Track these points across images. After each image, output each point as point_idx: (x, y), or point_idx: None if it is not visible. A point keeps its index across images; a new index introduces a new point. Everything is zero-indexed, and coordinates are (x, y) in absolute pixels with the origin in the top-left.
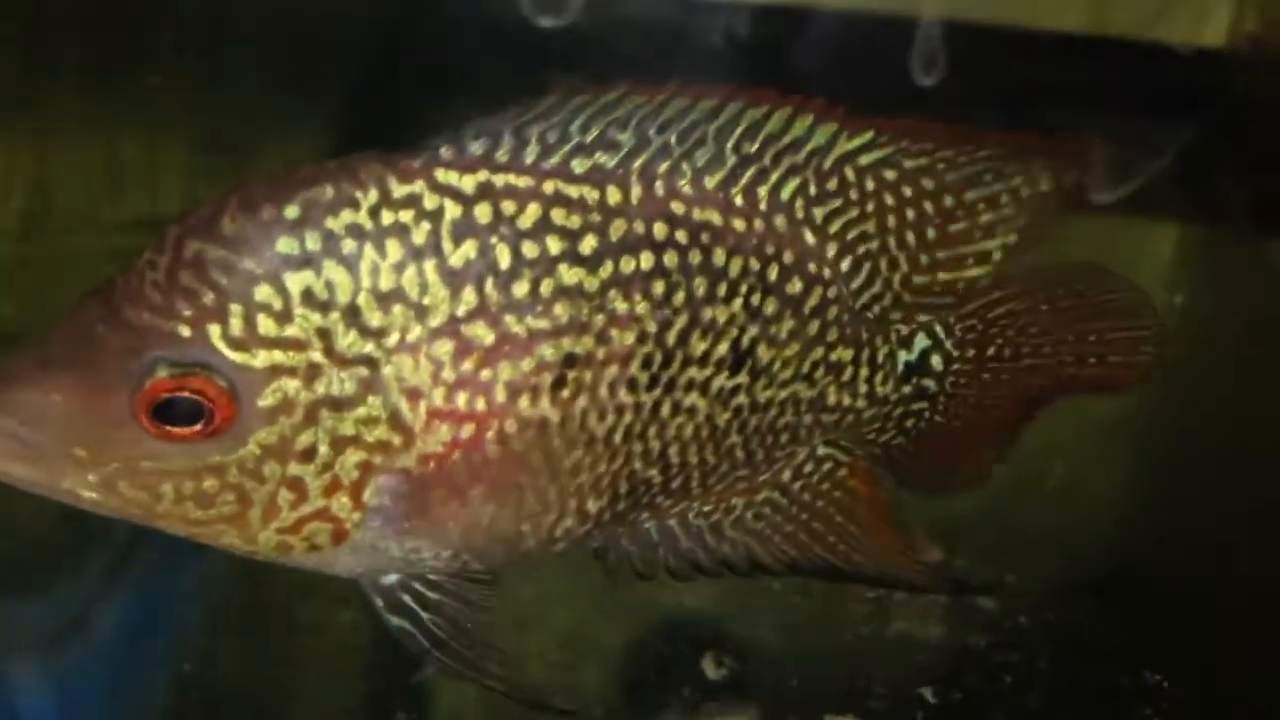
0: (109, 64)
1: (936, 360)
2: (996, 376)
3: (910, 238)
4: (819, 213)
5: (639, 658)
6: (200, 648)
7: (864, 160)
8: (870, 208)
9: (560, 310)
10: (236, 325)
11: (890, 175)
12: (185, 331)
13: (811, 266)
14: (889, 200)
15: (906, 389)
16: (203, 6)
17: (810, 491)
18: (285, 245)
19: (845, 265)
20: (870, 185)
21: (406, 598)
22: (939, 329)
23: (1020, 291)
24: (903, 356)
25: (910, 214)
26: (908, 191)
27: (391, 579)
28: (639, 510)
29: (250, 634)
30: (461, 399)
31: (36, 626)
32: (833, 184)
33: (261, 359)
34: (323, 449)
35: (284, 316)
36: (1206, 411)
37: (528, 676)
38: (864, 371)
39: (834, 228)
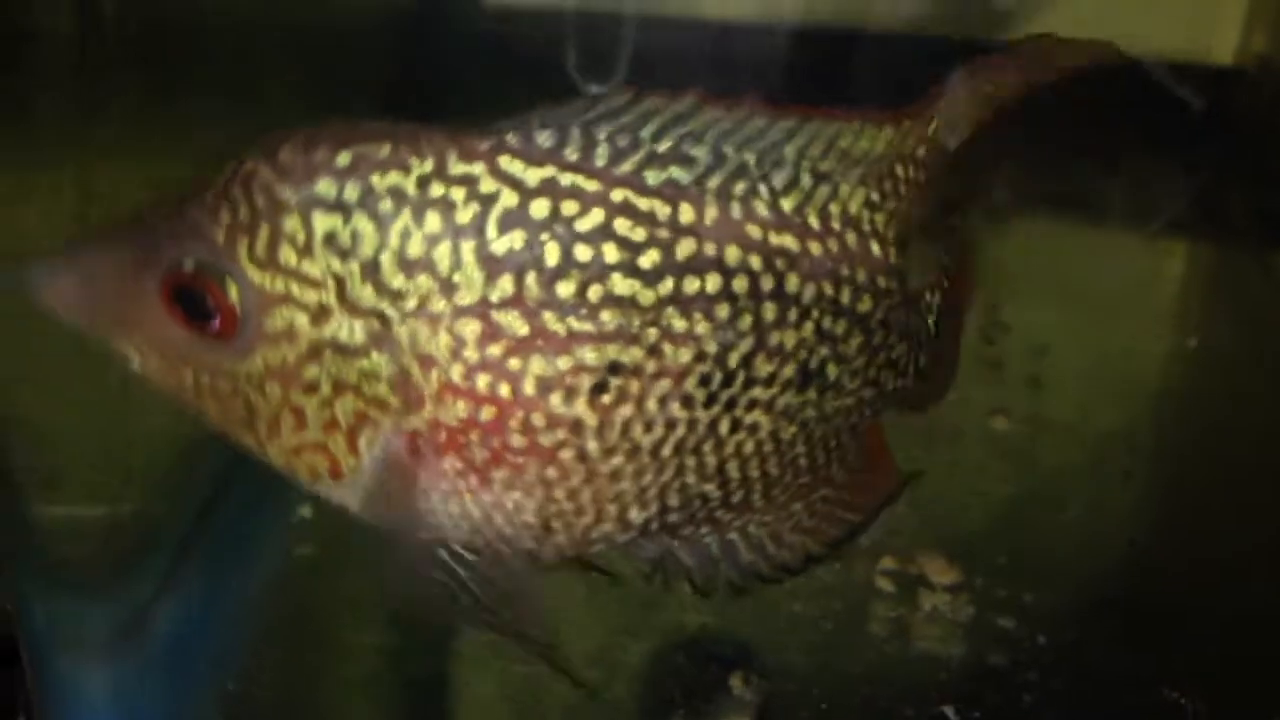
0: (154, 93)
1: (936, 298)
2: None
3: (922, 195)
4: (880, 220)
5: (666, 677)
6: (244, 666)
7: (906, 149)
8: (908, 193)
9: (607, 317)
10: (261, 247)
11: (922, 152)
12: (220, 238)
13: (880, 281)
14: (923, 175)
15: (936, 340)
16: (241, 39)
17: (846, 468)
18: (324, 187)
19: (899, 261)
20: (912, 171)
21: (444, 554)
22: (945, 282)
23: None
24: (932, 321)
25: (921, 175)
26: (931, 156)
27: (417, 540)
28: (696, 524)
29: (294, 653)
30: (482, 381)
31: (97, 631)
32: (889, 184)
33: (277, 285)
34: (324, 387)
35: (305, 251)
36: (1224, 430)
37: (561, 645)
38: (915, 354)
39: (892, 232)
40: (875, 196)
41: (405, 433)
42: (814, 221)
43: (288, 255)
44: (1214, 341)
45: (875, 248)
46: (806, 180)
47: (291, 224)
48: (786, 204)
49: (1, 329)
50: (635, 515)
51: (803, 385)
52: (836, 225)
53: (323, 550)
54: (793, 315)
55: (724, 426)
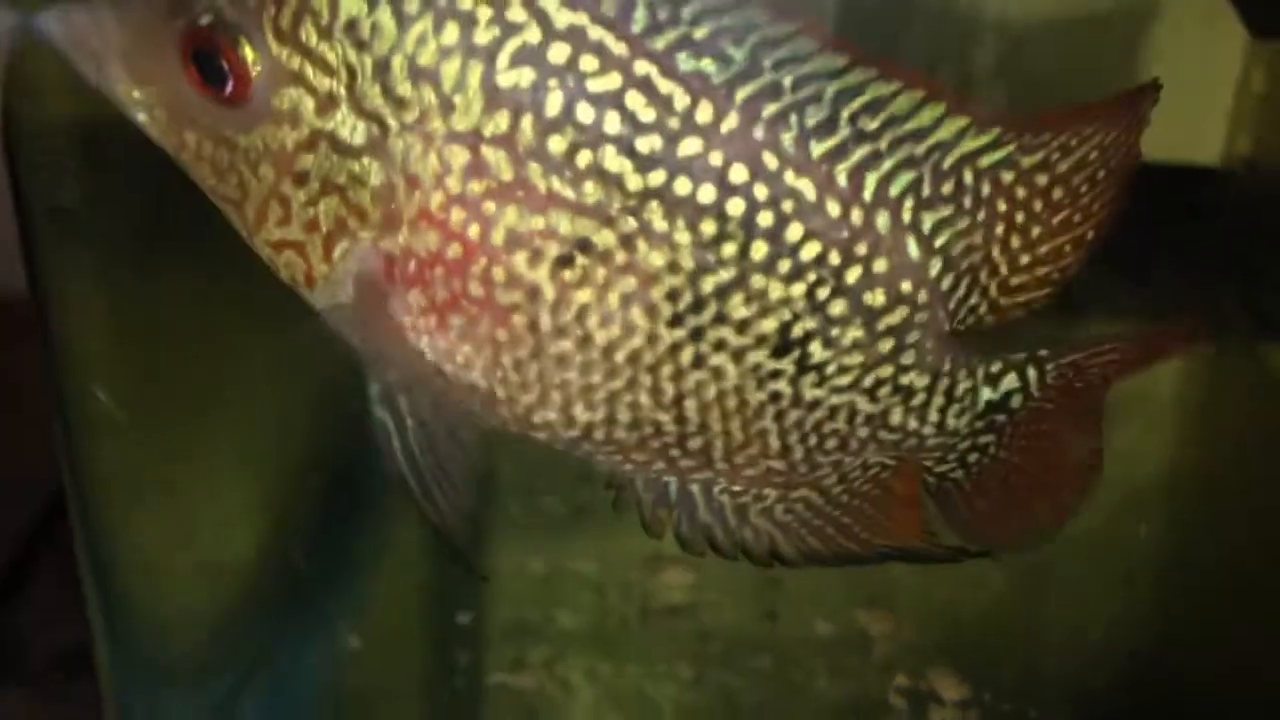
0: None
1: (1018, 399)
2: (1061, 411)
3: (1015, 240)
4: (928, 220)
5: None
6: None
7: (984, 162)
8: (982, 216)
9: (589, 189)
10: (286, 18)
11: (1008, 177)
12: (251, 1)
13: (905, 284)
14: (1002, 206)
15: (980, 424)
16: None
17: (849, 493)
18: None
19: (946, 283)
20: (986, 190)
21: (403, 400)
22: (1032, 372)
23: (1127, 349)
24: (985, 395)
25: (1020, 216)
26: (1021, 193)
27: (395, 376)
28: (648, 454)
29: None
30: (456, 215)
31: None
32: (948, 187)
33: (293, 61)
34: (313, 182)
35: (326, 33)
36: (1225, 535)
37: (464, 530)
38: (938, 400)
39: (941, 240)
40: (927, 190)
41: (378, 252)
42: (842, 179)
43: (309, 33)
44: (1210, 441)
45: (912, 245)
46: (845, 131)
47: (319, 1)
48: (816, 148)
49: None
50: (580, 413)
51: (780, 350)
52: (868, 196)
53: (369, 680)
54: (784, 266)
55: (686, 355)
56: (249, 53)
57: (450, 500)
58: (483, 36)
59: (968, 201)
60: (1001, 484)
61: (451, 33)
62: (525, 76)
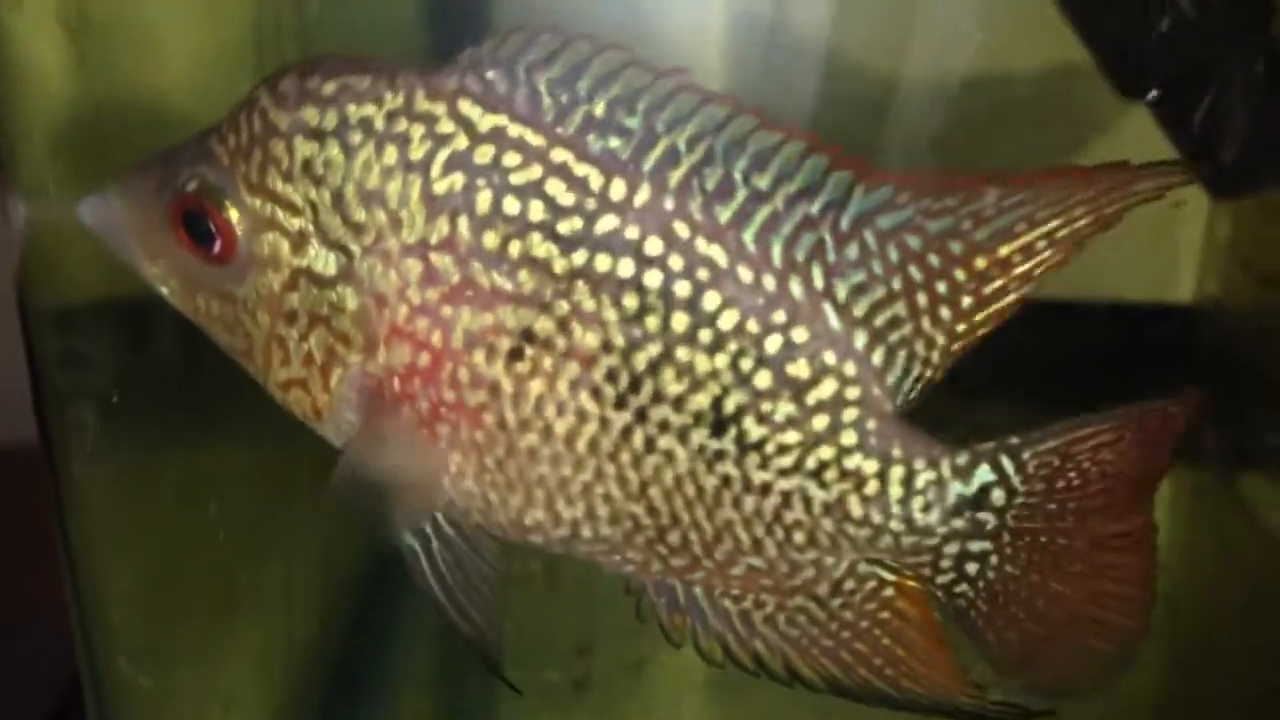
0: None
1: (999, 494)
2: (1064, 509)
3: (944, 311)
4: (842, 287)
5: None
6: None
7: (884, 224)
8: (898, 284)
9: (524, 278)
10: (254, 169)
11: (914, 242)
12: (225, 161)
13: (828, 355)
14: (916, 273)
15: (958, 523)
16: None
17: (851, 610)
18: (308, 114)
19: (878, 359)
20: (894, 256)
21: (427, 523)
22: (1007, 462)
23: (1110, 428)
24: (956, 488)
25: (942, 285)
26: (936, 260)
27: (416, 499)
28: (638, 551)
29: None
30: (421, 325)
31: None
32: (853, 251)
33: (265, 209)
34: (302, 318)
35: (288, 176)
36: (1208, 673)
37: (498, 633)
38: (896, 491)
39: (860, 309)
40: (832, 254)
41: (367, 375)
42: (750, 244)
43: (274, 179)
44: (1194, 577)
45: (831, 315)
46: (743, 192)
47: (278, 148)
48: (722, 213)
49: None
50: (563, 510)
51: (717, 427)
52: (777, 261)
53: None
54: (705, 336)
55: (638, 439)
56: (231, 210)
57: (482, 613)
58: (417, 152)
59: (878, 267)
60: (1025, 606)
61: (390, 153)
62: (457, 181)
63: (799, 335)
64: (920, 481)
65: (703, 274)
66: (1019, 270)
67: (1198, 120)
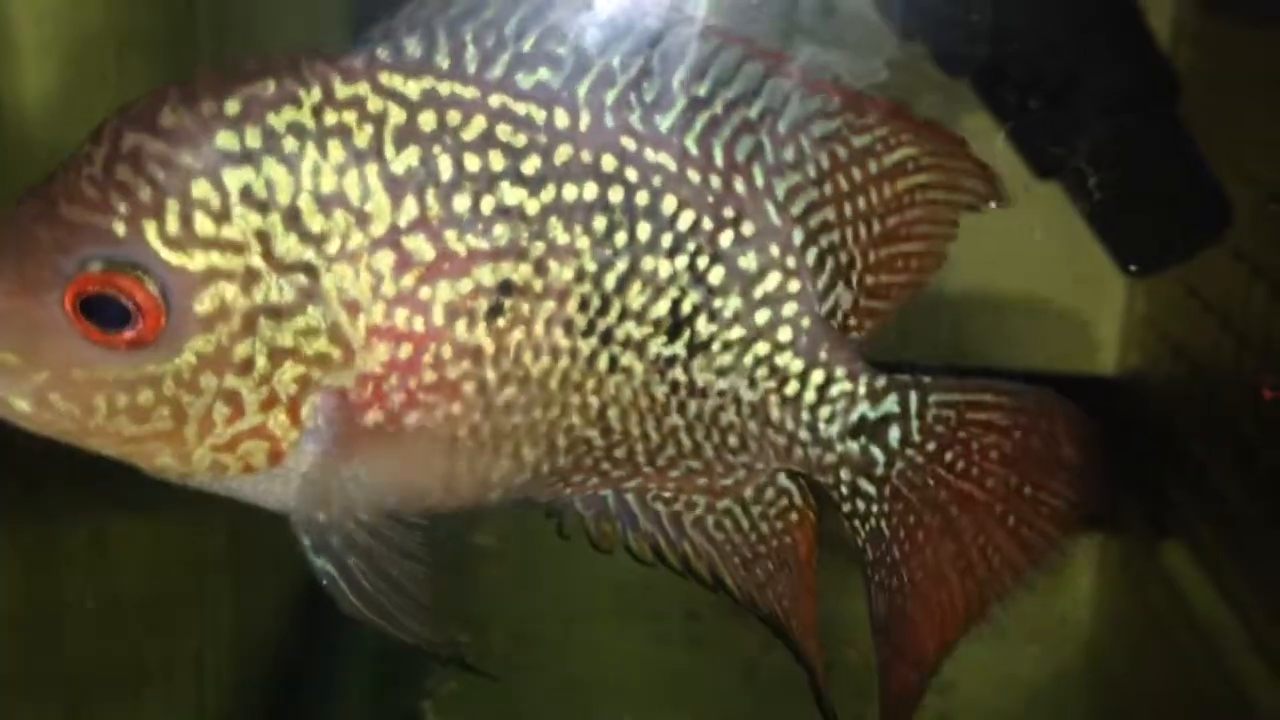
0: None
1: (894, 433)
2: (938, 492)
3: (862, 228)
4: (780, 186)
5: None
6: None
7: (817, 131)
8: (829, 190)
9: (500, 232)
10: (173, 223)
11: (841, 153)
12: (120, 229)
13: (773, 248)
14: (843, 182)
15: (852, 445)
16: None
17: (767, 522)
18: (225, 140)
19: (811, 258)
20: (825, 163)
21: (335, 539)
22: (914, 399)
23: (1007, 408)
24: (863, 407)
25: (863, 202)
26: (857, 174)
27: (321, 517)
28: (583, 473)
29: None
30: (400, 316)
31: None
32: (789, 153)
33: (198, 261)
34: (260, 360)
35: (222, 216)
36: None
37: (441, 630)
38: (809, 396)
39: (797, 208)
40: (771, 156)
41: (336, 391)
42: (693, 149)
43: (204, 225)
44: (1121, 646)
45: (772, 211)
46: (680, 100)
47: (201, 189)
48: (662, 122)
49: None
50: (528, 453)
51: (672, 332)
52: (719, 162)
53: None
54: (666, 240)
55: (602, 362)
56: (148, 281)
57: (420, 616)
58: (363, 139)
59: (812, 171)
60: (892, 570)
61: (337, 149)
62: (413, 155)
63: (747, 229)
64: (835, 390)
65: (657, 180)
66: (911, 214)
67: (1110, 201)
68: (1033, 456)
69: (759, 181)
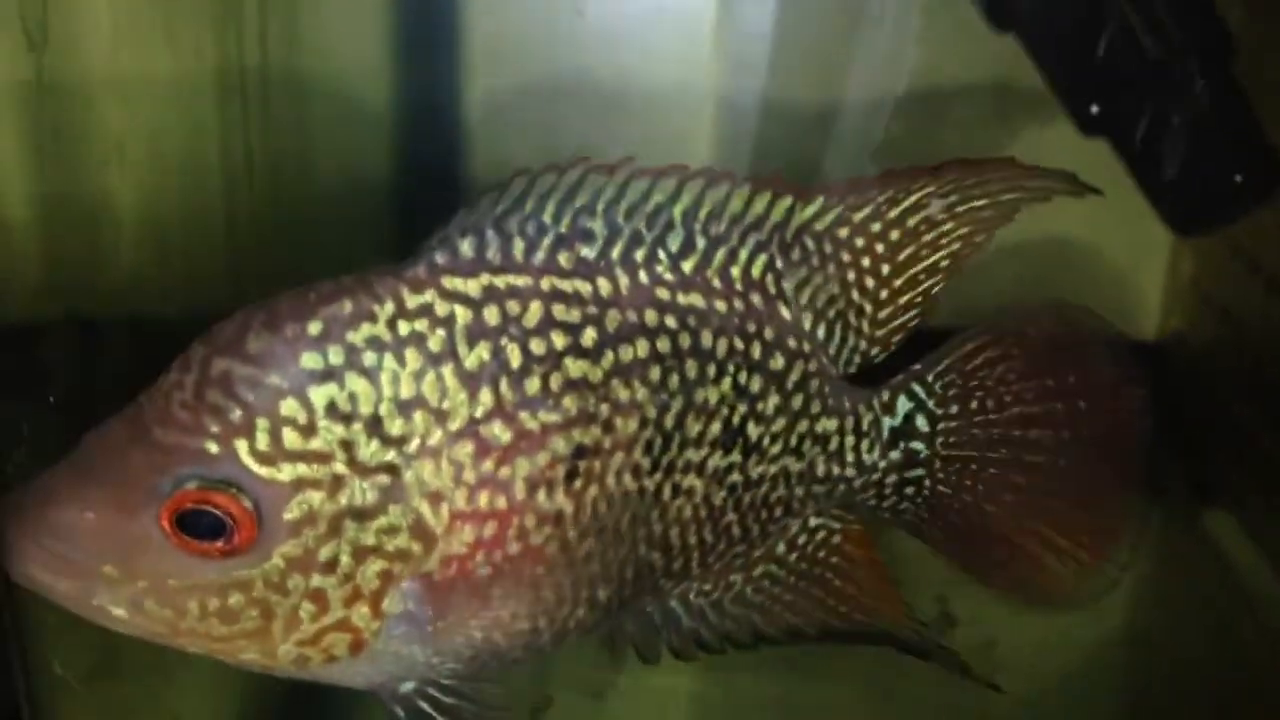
0: None
1: (922, 421)
2: (988, 432)
3: (869, 281)
4: (789, 285)
5: None
6: None
7: (819, 225)
8: (832, 269)
9: (569, 403)
10: (263, 440)
11: (843, 232)
12: (213, 448)
13: (791, 341)
14: (845, 256)
15: (895, 454)
16: None
17: (806, 560)
18: (309, 360)
19: (821, 332)
20: (828, 247)
21: (424, 704)
22: (918, 388)
23: (992, 339)
24: (887, 422)
25: (866, 260)
26: (860, 241)
27: (409, 686)
28: (642, 595)
29: None
30: (483, 499)
31: None
32: (796, 254)
33: (287, 473)
34: (344, 559)
35: (309, 430)
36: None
37: None
38: (849, 440)
39: (804, 297)
40: (780, 263)
41: (423, 580)
42: (716, 281)
43: (292, 439)
44: (1162, 615)
45: (784, 310)
46: (701, 243)
47: (289, 408)
48: (686, 265)
49: None
50: (602, 594)
51: (728, 445)
52: (739, 286)
53: None
54: (711, 370)
55: (666, 492)
56: (242, 498)
57: None
58: (436, 343)
59: (815, 261)
60: (963, 517)
61: (413, 356)
62: (483, 351)
63: (769, 334)
64: (865, 424)
65: (692, 320)
66: (927, 238)
67: (1160, 157)
68: (1044, 355)
69: (771, 290)
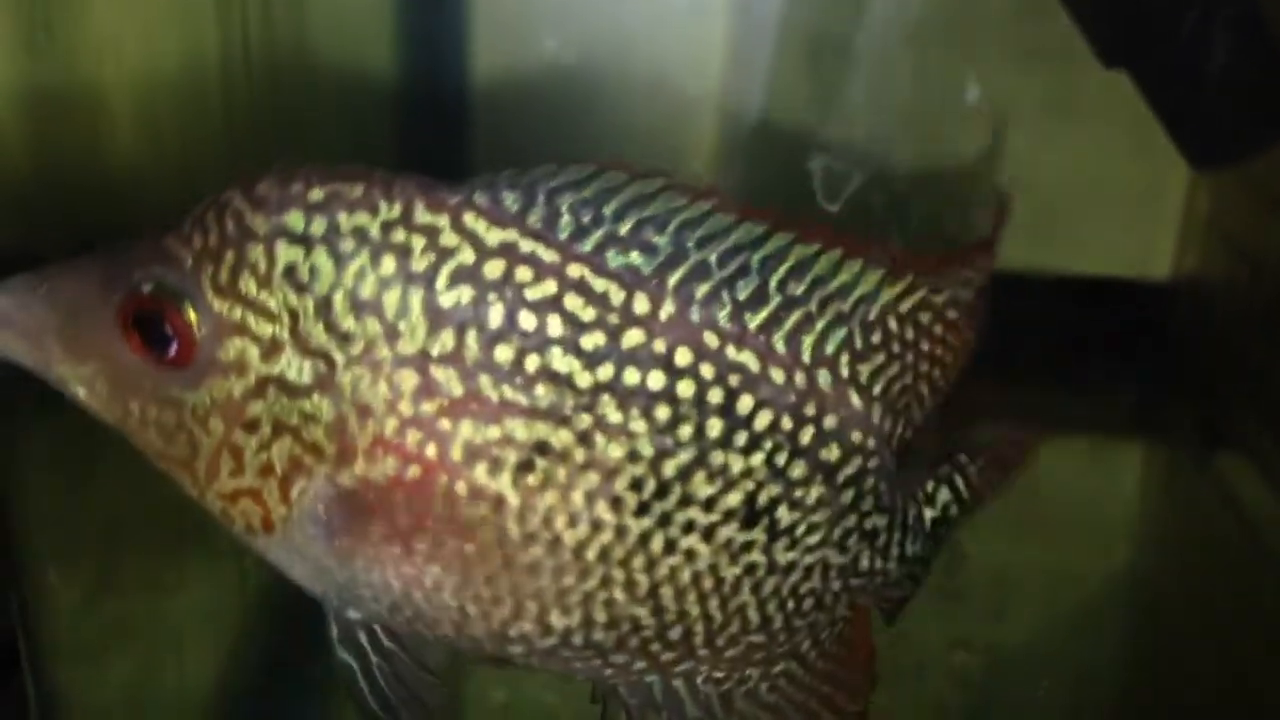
0: None
1: (954, 509)
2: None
3: (934, 370)
4: (864, 370)
5: None
6: None
7: (904, 307)
8: (910, 358)
9: (541, 392)
10: (224, 274)
11: (926, 318)
12: (187, 262)
13: (855, 435)
14: (925, 345)
15: (931, 545)
16: None
17: (824, 657)
18: (292, 219)
19: (887, 426)
20: (910, 334)
21: (362, 635)
22: (959, 480)
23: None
24: (929, 515)
25: (939, 349)
26: (939, 329)
27: (355, 614)
28: (629, 653)
29: None
30: (412, 437)
31: None
32: (877, 336)
33: (234, 313)
34: (265, 427)
35: (264, 282)
36: (1183, 652)
37: None
38: (896, 535)
39: (879, 387)
40: (859, 343)
41: (336, 486)
42: (780, 346)
43: (248, 284)
44: (1168, 557)
45: (854, 397)
46: (776, 299)
47: (255, 253)
48: (752, 320)
49: None
50: (556, 620)
51: (748, 521)
52: (807, 358)
53: None
54: (740, 439)
55: (657, 544)
56: (192, 314)
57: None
58: (419, 264)
59: (896, 347)
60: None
61: (389, 264)
62: (465, 294)
63: (830, 423)
64: (911, 518)
65: (734, 379)
66: (951, 315)
67: (1176, 85)
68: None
69: (844, 372)
